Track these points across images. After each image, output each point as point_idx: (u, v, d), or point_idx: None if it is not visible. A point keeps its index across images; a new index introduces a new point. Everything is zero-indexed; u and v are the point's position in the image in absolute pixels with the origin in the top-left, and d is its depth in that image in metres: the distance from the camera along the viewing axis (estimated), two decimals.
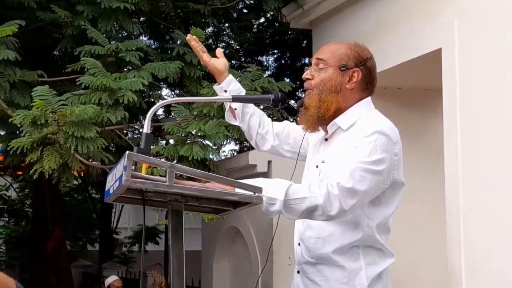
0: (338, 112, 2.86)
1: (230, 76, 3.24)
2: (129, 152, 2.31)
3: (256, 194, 2.46)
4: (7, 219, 15.63)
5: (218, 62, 3.24)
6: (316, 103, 2.85)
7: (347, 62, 2.86)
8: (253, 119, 3.25)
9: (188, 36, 3.23)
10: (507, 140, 4.59)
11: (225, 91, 3.21)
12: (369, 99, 2.93)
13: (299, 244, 2.95)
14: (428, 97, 6.68)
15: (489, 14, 4.83)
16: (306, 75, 2.94)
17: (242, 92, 3.24)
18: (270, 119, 3.34)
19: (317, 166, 2.93)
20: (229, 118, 3.32)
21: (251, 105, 3.25)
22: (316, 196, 2.60)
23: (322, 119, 2.87)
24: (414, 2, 5.67)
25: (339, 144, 2.83)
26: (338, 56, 2.88)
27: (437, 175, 5.88)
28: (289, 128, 3.26)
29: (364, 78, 2.88)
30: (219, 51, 3.29)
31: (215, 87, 3.28)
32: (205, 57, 3.23)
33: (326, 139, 2.94)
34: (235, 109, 3.23)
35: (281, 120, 3.43)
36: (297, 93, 12.35)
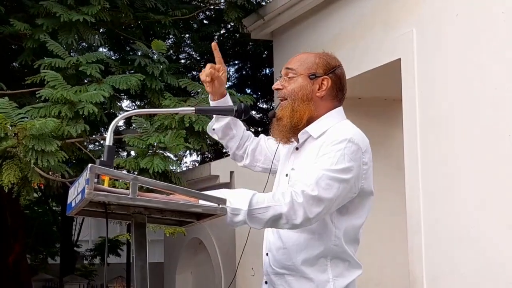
0: (310, 121, 2.87)
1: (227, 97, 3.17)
2: (92, 165, 2.28)
3: (220, 206, 2.45)
4: None
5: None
6: (289, 113, 2.86)
7: (316, 70, 2.88)
8: (232, 142, 3.27)
9: (214, 44, 3.13)
10: (465, 149, 4.65)
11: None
12: (340, 108, 2.94)
13: (267, 254, 2.93)
14: (388, 107, 6.75)
15: (447, 25, 4.89)
16: (276, 85, 2.95)
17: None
18: (251, 135, 3.34)
19: (286, 175, 2.92)
20: (211, 133, 3.32)
21: (237, 127, 3.24)
22: (281, 205, 2.58)
23: (296, 129, 2.88)
24: (375, 12, 5.71)
25: (309, 152, 2.83)
26: (307, 64, 2.90)
27: (398, 184, 5.92)
28: (262, 145, 3.27)
29: (334, 85, 2.90)
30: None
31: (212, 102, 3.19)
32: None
33: (297, 148, 2.94)
34: (214, 129, 3.25)
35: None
36: (258, 103, 12.37)
